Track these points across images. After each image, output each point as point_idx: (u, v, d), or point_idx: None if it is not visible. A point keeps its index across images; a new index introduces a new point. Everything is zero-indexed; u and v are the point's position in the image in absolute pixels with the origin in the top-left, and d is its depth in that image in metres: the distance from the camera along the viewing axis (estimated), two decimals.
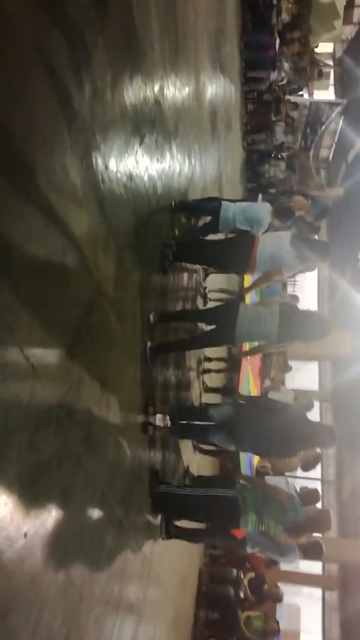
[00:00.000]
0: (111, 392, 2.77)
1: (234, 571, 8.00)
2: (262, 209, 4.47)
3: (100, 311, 2.63)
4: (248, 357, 5.75)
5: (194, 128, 5.16)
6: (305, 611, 17.07)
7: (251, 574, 8.22)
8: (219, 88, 7.12)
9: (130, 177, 3.07)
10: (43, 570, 1.98)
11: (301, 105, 16.03)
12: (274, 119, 12.31)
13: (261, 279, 4.19)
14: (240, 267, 4.26)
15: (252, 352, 4.74)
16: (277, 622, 7.79)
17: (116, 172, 2.82)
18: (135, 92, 3.12)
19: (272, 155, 11.76)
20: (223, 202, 4.44)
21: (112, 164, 2.75)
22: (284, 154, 12.94)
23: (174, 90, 4.18)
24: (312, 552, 4.05)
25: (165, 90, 3.87)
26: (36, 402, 1.88)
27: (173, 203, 4.27)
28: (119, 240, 2.92)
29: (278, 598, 8.72)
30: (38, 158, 1.93)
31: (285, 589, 12.04)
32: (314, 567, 13.47)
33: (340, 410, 15.67)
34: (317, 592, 13.98)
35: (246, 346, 4.70)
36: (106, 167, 2.66)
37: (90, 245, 2.48)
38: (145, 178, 3.41)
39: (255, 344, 4.36)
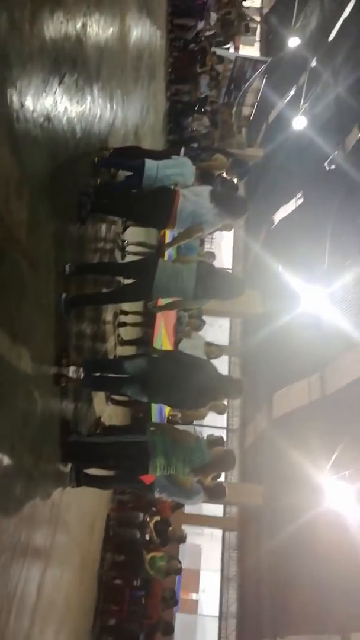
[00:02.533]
0: (23, 343, 2.71)
1: (141, 515, 8.34)
2: (187, 168, 4.41)
3: (11, 260, 2.52)
4: (162, 312, 5.82)
5: (117, 72, 4.95)
6: (205, 550, 18.32)
7: (157, 517, 8.61)
8: (144, 32, 6.83)
9: (48, 118, 2.90)
10: None
11: (226, 59, 15.82)
12: (199, 70, 12.08)
13: (181, 236, 4.19)
14: (160, 222, 4.23)
15: (168, 307, 4.80)
16: (180, 562, 8.29)
17: (32, 111, 2.66)
18: (56, 27, 2.92)
19: (196, 108, 11.61)
20: (147, 161, 4.32)
21: (29, 103, 2.58)
22: (208, 108, 12.81)
23: (97, 30, 3.96)
24: (215, 493, 4.34)
25: (88, 28, 3.65)
26: None
27: (96, 159, 4.12)
28: (33, 185, 2.78)
29: (182, 539, 9.26)
30: None
31: (188, 530, 12.81)
32: (215, 509, 14.38)
33: (247, 365, 16.47)
34: (218, 533, 14.98)
35: (161, 301, 4.74)
36: (22, 105, 2.50)
37: (2, 188, 2.35)
38: (64, 120, 3.24)
39: (170, 300, 4.42)
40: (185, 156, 4.84)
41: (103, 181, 4.45)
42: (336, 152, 11.82)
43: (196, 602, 18.24)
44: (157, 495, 4.41)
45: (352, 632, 9.12)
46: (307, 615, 10.38)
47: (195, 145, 5.67)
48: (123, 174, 4.84)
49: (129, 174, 4.60)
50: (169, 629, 8.70)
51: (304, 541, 10.39)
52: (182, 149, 4.99)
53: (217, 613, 13.63)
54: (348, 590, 9.05)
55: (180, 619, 13.57)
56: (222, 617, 13.39)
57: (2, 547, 2.64)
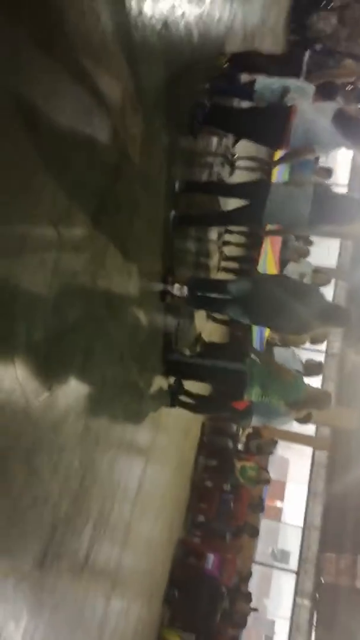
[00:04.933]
0: (133, 261, 2.80)
1: (234, 426, 8.71)
2: (305, 88, 3.95)
3: (126, 177, 2.54)
4: (270, 236, 5.61)
5: None
6: (293, 464, 18.88)
7: (250, 429, 8.96)
8: None
9: (166, 24, 2.77)
10: (64, 420, 2.18)
11: None
12: None
13: (291, 154, 3.89)
14: (273, 143, 3.94)
15: (278, 232, 4.59)
16: (269, 473, 8.66)
17: (150, 17, 2.54)
18: None
19: (322, 4, 10.26)
20: (258, 81, 3.94)
21: (147, 7, 2.47)
22: (336, 3, 11.30)
23: None
24: (303, 420, 4.40)
25: None
26: (61, 269, 1.92)
27: (207, 85, 3.88)
28: (149, 97, 2.72)
29: (271, 452, 9.58)
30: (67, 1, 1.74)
31: (280, 443, 13.20)
32: (307, 428, 14.60)
33: (355, 289, 15.75)
34: (307, 449, 15.27)
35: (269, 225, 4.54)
36: (140, 12, 2.39)
37: (119, 102, 2.33)
38: (182, 25, 3.07)
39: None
40: (309, 59, 4.37)
41: (217, 86, 4.16)
42: None
43: (280, 510, 19.19)
44: (254, 421, 4.56)
45: None
46: None
47: (319, 47, 5.07)
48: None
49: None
50: (255, 532, 9.31)
51: None
52: (307, 54, 4.48)
53: (300, 523, 14.25)
54: None
55: (264, 524, 14.41)
56: (305, 527, 13.99)
57: (109, 444, 2.92)
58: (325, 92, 3.94)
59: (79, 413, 2.34)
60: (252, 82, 3.96)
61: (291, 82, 3.95)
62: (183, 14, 3.05)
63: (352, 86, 5.50)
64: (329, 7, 10.20)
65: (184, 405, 4.57)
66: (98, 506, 2.88)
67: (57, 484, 2.22)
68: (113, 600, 3.52)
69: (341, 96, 4.09)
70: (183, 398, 4.46)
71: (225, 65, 4.15)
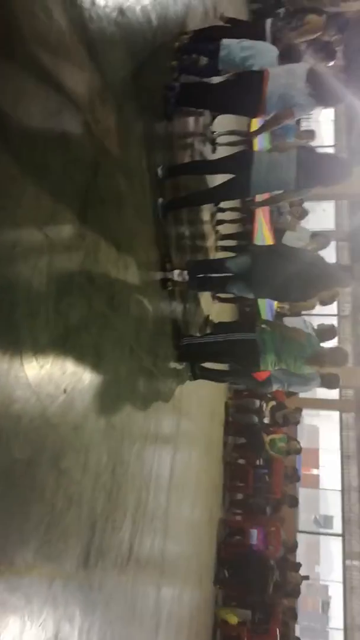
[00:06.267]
0: (127, 253, 2.80)
1: (257, 401, 8.75)
2: (268, 51, 3.90)
3: (105, 170, 2.53)
4: (261, 208, 5.58)
5: None
6: (323, 431, 18.94)
7: (272, 402, 8.99)
8: None
9: (121, 11, 2.73)
10: (85, 420, 2.20)
11: None
12: None
13: (270, 122, 3.84)
14: (249, 110, 3.90)
15: (269, 202, 4.56)
16: (299, 442, 8.69)
17: (104, 7, 2.51)
18: None
19: None
20: (222, 42, 3.90)
21: None
22: None
23: None
24: (330, 382, 4.41)
25: None
26: (56, 272, 1.92)
27: (176, 44, 3.83)
28: (116, 87, 2.70)
29: (298, 421, 9.61)
30: (17, 3, 1.73)
31: (305, 412, 13.24)
32: (331, 392, 14.61)
33: (356, 247, 15.62)
34: (335, 415, 15.30)
35: (258, 197, 4.51)
36: (93, 2, 2.36)
37: (86, 97, 2.31)
38: (138, 10, 3.03)
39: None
40: (272, 26, 4.32)
41: (182, 67, 4.11)
42: None
43: (317, 477, 19.28)
44: (275, 388, 4.58)
45: None
46: None
47: (282, 10, 4.96)
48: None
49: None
50: (294, 502, 9.38)
51: None
52: (269, 21, 4.42)
53: (338, 487, 14.32)
54: None
55: (303, 493, 14.50)
56: (344, 490, 14.05)
57: (135, 437, 2.95)
58: (288, 56, 3.88)
59: (99, 411, 2.36)
60: (217, 49, 3.90)
61: (254, 45, 3.91)
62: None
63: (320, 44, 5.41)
64: None
65: (206, 374, 4.58)
66: (133, 499, 2.91)
67: (90, 483, 2.25)
68: (163, 588, 3.57)
69: (311, 55, 4.03)
70: (203, 366, 4.47)
71: (186, 42, 4.09)
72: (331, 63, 4.55)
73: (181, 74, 3.94)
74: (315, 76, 3.55)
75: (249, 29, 4.87)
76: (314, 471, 19.54)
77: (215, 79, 4.16)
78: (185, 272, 3.75)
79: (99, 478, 2.36)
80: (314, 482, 18.97)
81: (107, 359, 2.48)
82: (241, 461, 8.42)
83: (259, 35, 4.34)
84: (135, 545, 2.88)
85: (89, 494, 2.24)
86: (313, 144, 6.97)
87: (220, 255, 5.65)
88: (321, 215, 16.04)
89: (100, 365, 2.38)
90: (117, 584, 2.64)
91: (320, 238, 6.60)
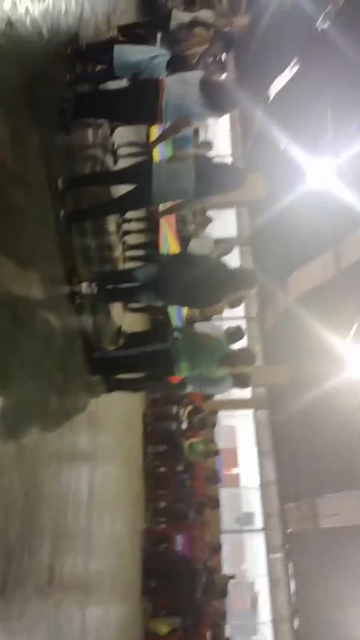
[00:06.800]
0: (30, 268, 2.72)
1: (174, 408, 8.83)
2: (162, 54, 4.03)
3: (2, 185, 2.45)
4: (165, 217, 5.68)
5: None
6: (240, 430, 19.50)
7: (190, 407, 9.12)
8: None
9: (10, 23, 2.67)
10: None
11: None
12: None
13: (168, 131, 3.93)
14: (146, 118, 3.97)
15: (171, 211, 4.67)
16: (216, 444, 8.89)
17: None
18: None
19: None
20: (115, 47, 3.97)
21: None
22: None
23: None
24: (242, 381, 4.56)
25: None
26: None
27: (69, 49, 3.80)
28: (8, 99, 2.62)
29: (214, 422, 9.84)
30: None
31: (221, 413, 13.58)
32: (244, 392, 15.12)
33: (259, 251, 16.33)
34: (249, 413, 15.82)
35: (162, 206, 4.59)
36: None
37: None
38: (28, 22, 2.97)
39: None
40: (163, 40, 4.44)
41: (79, 74, 4.10)
42: (328, 8, 10.65)
43: (237, 476, 19.78)
44: (189, 389, 4.67)
45: None
46: (340, 473, 11.23)
47: (174, 24, 5.15)
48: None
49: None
50: (216, 503, 9.58)
51: (330, 408, 11.00)
52: (159, 35, 4.54)
53: (257, 483, 14.80)
54: None
55: (225, 493, 14.81)
56: (263, 485, 14.55)
57: (50, 457, 2.86)
58: (175, 67, 4.01)
59: (7, 434, 2.27)
60: (111, 56, 3.95)
61: (148, 49, 4.02)
62: (27, 10, 2.95)
63: (213, 57, 5.62)
64: None
65: (122, 385, 4.54)
66: (51, 521, 2.82)
67: (1, 512, 2.15)
68: (89, 608, 3.49)
69: (203, 67, 4.18)
70: (118, 377, 4.43)
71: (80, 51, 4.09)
72: (223, 75, 4.76)
73: (77, 81, 3.92)
74: (208, 86, 3.68)
75: (141, 41, 4.95)
76: (234, 470, 20.02)
77: (112, 84, 4.19)
78: (94, 285, 3.71)
79: (12, 505, 2.26)
80: (234, 481, 19.44)
81: (13, 379, 2.39)
82: (162, 469, 8.45)
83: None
84: (56, 568, 2.79)
85: (1, 523, 2.14)
86: (211, 153, 7.20)
87: (128, 265, 5.66)
88: (223, 223, 16.59)
89: (8, 386, 2.29)
90: (39, 610, 2.54)
91: (223, 244, 6.84)
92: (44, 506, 2.69)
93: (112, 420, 5.02)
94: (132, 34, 5.56)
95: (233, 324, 5.44)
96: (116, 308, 5.26)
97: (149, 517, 7.33)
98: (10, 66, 2.69)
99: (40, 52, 3.20)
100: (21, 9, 2.84)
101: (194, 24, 4.94)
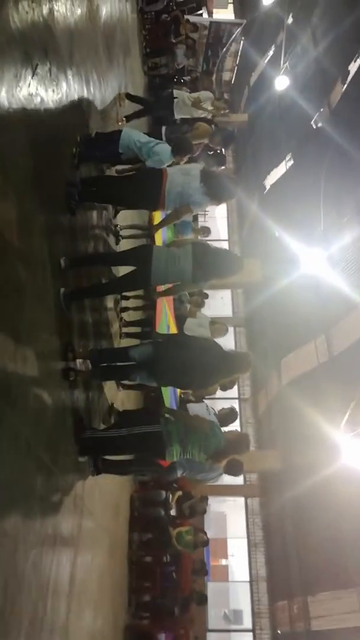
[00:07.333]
0: (27, 343, 2.71)
1: (163, 493, 8.48)
2: (163, 149, 4.33)
3: (5, 262, 2.50)
4: (165, 297, 5.81)
5: (90, 53, 4.82)
6: (230, 517, 18.64)
7: (179, 493, 8.76)
8: (113, 9, 6.63)
9: (25, 111, 2.85)
10: None
11: (201, 26, 15.38)
12: (174, 40, 11.75)
13: (170, 217, 4.15)
14: (149, 205, 4.19)
15: (168, 292, 4.77)
16: (206, 534, 8.45)
17: (8, 107, 2.60)
18: (22, 16, 2.83)
19: (175, 79, 11.34)
20: (124, 129, 4.30)
21: (3, 99, 2.53)
22: (187, 78, 12.51)
23: (65, 13, 3.84)
24: (233, 469, 4.41)
25: (55, 13, 3.54)
26: None
27: (74, 149, 4.03)
28: (16, 180, 2.74)
29: (204, 511, 9.42)
30: None
31: (212, 499, 13.05)
32: (236, 478, 14.64)
33: (252, 333, 16.49)
34: (241, 500, 15.22)
35: (161, 287, 4.71)
36: None
37: None
38: (42, 111, 3.18)
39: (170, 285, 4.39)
40: (167, 131, 4.76)
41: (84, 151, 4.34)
42: (322, 110, 11.57)
43: (226, 568, 18.65)
44: (179, 474, 4.49)
45: None
46: (334, 570, 10.62)
47: (178, 118, 5.57)
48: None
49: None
50: (203, 599, 8.93)
51: (324, 499, 10.58)
52: (163, 128, 4.90)
53: (247, 578, 13.94)
54: None
55: (212, 587, 13.92)
56: (252, 580, 13.70)
57: (30, 544, 2.69)
58: (180, 148, 4.31)
59: None
60: (118, 137, 4.22)
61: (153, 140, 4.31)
62: (42, 101, 3.16)
63: (212, 151, 5.99)
64: (182, 81, 11.19)
65: (110, 468, 4.34)
66: (29, 613, 2.62)
67: None
68: None
69: (203, 159, 4.46)
70: (106, 459, 4.25)
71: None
72: (222, 167, 5.07)
73: (82, 160, 4.13)
74: (208, 176, 3.95)
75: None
76: (223, 561, 18.91)
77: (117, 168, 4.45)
78: (88, 361, 3.69)
79: None
80: (223, 574, 18.29)
81: (0, 460, 2.31)
82: (148, 559, 7.96)
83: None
84: None
85: None
86: (208, 238, 7.48)
87: (125, 342, 5.67)
88: (219, 303, 16.89)
89: None
90: None
91: (218, 326, 6.91)
92: (23, 598, 2.50)
93: (98, 504, 4.79)
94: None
95: (226, 404, 5.36)
96: (109, 384, 5.19)
97: (132, 611, 6.81)
98: (22, 149, 2.84)
99: (50, 138, 3.39)
100: (37, 100, 3.04)
101: (196, 119, 5.33)
